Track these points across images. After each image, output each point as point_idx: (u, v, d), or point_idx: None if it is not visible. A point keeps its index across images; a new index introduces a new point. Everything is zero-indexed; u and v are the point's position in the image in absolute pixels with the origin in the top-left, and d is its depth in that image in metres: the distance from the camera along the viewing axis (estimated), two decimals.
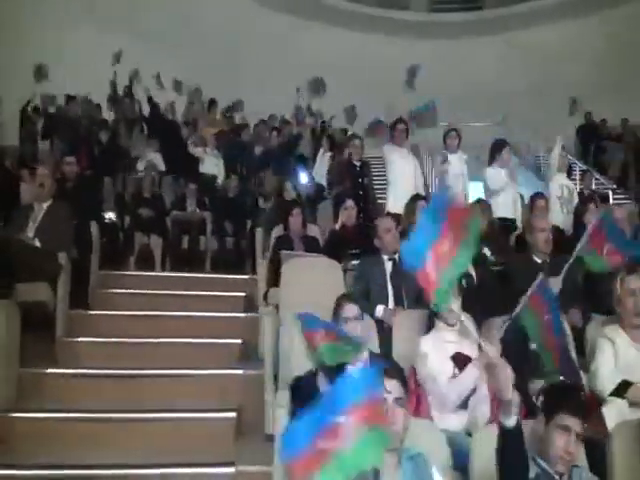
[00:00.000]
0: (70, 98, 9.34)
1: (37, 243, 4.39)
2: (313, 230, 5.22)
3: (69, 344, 4.50)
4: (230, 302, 5.48)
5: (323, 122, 9.56)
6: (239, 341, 4.61)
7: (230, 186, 7.64)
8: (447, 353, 3.07)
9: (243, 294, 5.51)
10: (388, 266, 4.05)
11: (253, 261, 6.70)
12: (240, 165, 8.37)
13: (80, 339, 4.57)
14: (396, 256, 4.07)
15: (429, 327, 3.23)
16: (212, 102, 9.77)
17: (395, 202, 5.56)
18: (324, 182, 7.41)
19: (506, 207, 5.70)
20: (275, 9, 13.76)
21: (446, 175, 5.91)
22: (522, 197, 6.27)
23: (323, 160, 7.89)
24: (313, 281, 4.13)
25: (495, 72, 13.68)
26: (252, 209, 7.42)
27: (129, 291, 5.47)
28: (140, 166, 8.17)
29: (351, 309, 3.14)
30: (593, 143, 11.64)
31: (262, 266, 5.70)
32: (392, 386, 2.16)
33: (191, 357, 4.52)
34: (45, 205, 4.70)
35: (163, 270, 6.86)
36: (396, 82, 12.98)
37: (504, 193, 5.71)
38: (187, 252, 7.11)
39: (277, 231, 5.23)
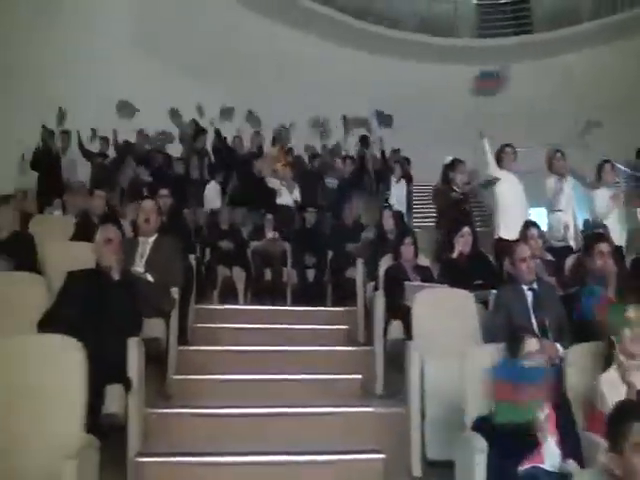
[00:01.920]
0: (140, 132, 9.33)
1: (149, 278, 4.24)
2: (422, 259, 5.00)
3: (181, 381, 4.33)
4: (331, 335, 5.31)
5: (395, 150, 9.39)
6: (359, 376, 4.39)
7: (308, 217, 7.48)
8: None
9: (345, 327, 5.31)
10: (529, 296, 3.83)
11: (340, 293, 6.56)
12: (317, 196, 8.22)
13: (192, 376, 4.39)
14: (535, 285, 3.86)
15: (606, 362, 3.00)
16: (279, 132, 9.69)
17: (507, 229, 5.37)
18: (403, 209, 7.25)
19: (614, 232, 5.45)
20: (322, 37, 13.81)
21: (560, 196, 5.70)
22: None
23: (398, 187, 7.74)
24: (446, 313, 3.93)
25: (544, 95, 13.47)
26: (331, 240, 7.24)
27: (228, 325, 5.31)
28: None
29: (532, 343, 2.92)
30: None
31: (361, 297, 5.55)
32: None
33: (309, 393, 4.32)
34: (151, 239, 4.57)
35: (245, 303, 6.73)
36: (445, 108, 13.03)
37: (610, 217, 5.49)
38: (270, 284, 6.93)
39: (386, 261, 5.02)
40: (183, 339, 4.82)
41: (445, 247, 5.09)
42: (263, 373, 4.54)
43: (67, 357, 2.76)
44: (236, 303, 6.58)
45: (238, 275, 6.77)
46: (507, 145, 5.91)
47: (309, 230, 7.40)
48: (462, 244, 4.78)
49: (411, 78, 13.58)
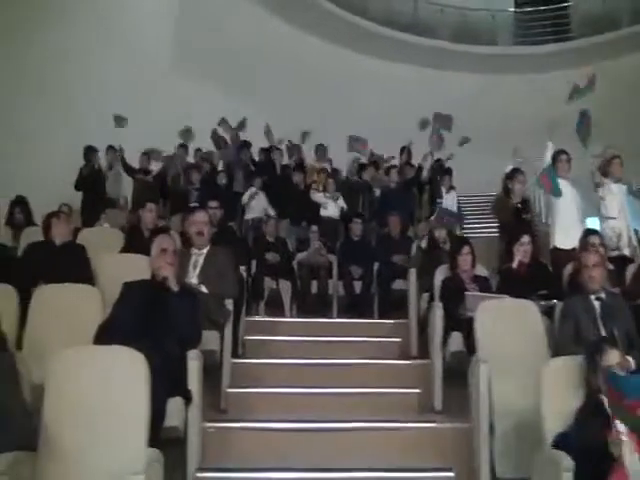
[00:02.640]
0: (182, 146, 9.38)
1: (204, 289, 4.19)
2: (480, 269, 4.86)
3: (235, 395, 4.25)
4: (383, 348, 5.20)
5: (437, 160, 9.25)
6: (417, 391, 4.27)
7: (354, 228, 7.38)
8: None
9: (398, 340, 5.20)
10: (596, 306, 3.67)
11: (387, 305, 6.45)
12: (362, 207, 8.13)
13: (246, 390, 4.32)
14: (602, 295, 3.71)
15: None
16: (320, 146, 9.65)
17: (563, 237, 5.21)
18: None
19: None
20: (359, 50, 13.79)
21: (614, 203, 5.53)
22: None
23: (449, 198, 7.62)
24: (510, 324, 3.79)
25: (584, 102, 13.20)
26: (377, 251, 7.13)
27: (281, 338, 5.23)
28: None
29: (614, 355, 2.78)
30: None
31: (414, 309, 5.43)
32: None
33: (365, 408, 4.20)
34: (204, 250, 4.52)
35: (291, 315, 6.65)
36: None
37: None
38: (316, 297, 6.84)
39: (441, 272, 4.89)
40: (235, 351, 4.76)
41: (505, 257, 4.95)
42: (317, 387, 4.43)
43: (131, 369, 2.70)
44: (282, 315, 6.52)
45: (284, 287, 6.70)
46: (562, 152, 5.75)
47: (355, 241, 7.29)
48: (522, 253, 4.62)
49: (448, 88, 13.49)
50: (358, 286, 6.87)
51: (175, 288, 3.42)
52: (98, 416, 2.60)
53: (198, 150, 9.65)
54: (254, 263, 6.83)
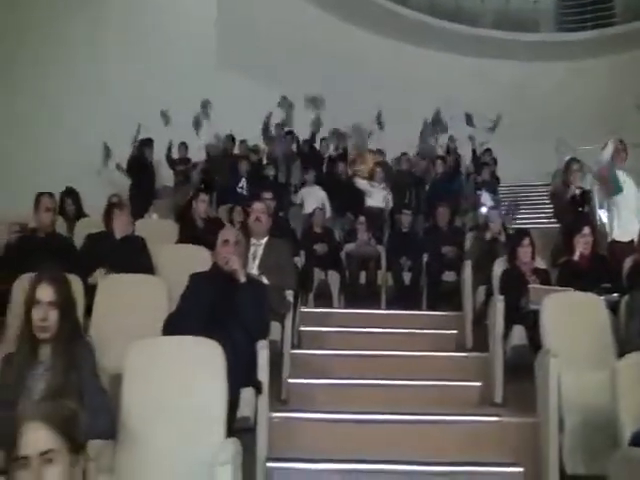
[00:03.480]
0: (229, 137, 9.44)
1: (265, 280, 4.21)
2: (539, 262, 4.80)
3: (295, 385, 4.28)
4: (437, 340, 5.17)
5: (487, 150, 9.16)
6: (478, 384, 4.24)
7: (403, 219, 7.34)
8: None
9: (454, 332, 5.17)
10: None
11: (437, 296, 6.43)
12: (411, 198, 8.10)
13: (305, 380, 4.34)
14: None
15: None
16: (368, 135, 9.63)
17: (621, 231, 5.12)
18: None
19: None
20: (399, 38, 13.65)
21: None
22: None
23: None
24: (576, 318, 3.74)
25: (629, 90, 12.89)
26: (426, 242, 7.09)
27: (336, 329, 5.24)
28: (297, 200, 8.16)
29: None
30: None
31: (470, 301, 5.40)
32: None
33: (423, 400, 4.18)
34: (263, 241, 4.56)
35: (339, 306, 6.66)
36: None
37: None
38: (365, 288, 6.84)
39: (499, 264, 4.84)
40: (292, 342, 4.79)
41: (564, 249, 4.88)
42: (374, 378, 4.44)
43: (209, 359, 2.72)
44: (330, 306, 6.53)
45: (333, 278, 6.72)
46: (618, 140, 5.64)
47: (404, 233, 7.27)
48: (583, 245, 4.55)
49: (490, 77, 13.31)
50: (407, 277, 6.88)
51: (243, 279, 3.45)
52: (178, 406, 2.63)
53: (243, 142, 9.69)
54: (302, 254, 6.88)
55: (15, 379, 2.52)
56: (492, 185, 8.36)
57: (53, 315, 2.54)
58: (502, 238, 5.60)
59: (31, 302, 2.56)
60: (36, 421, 1.63)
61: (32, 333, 2.56)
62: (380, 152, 9.20)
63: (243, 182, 8.33)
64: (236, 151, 9.34)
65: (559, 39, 14.52)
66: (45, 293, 2.55)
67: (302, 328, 5.28)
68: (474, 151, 9.28)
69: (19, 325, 2.63)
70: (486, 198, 7.01)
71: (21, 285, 3.77)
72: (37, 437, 1.61)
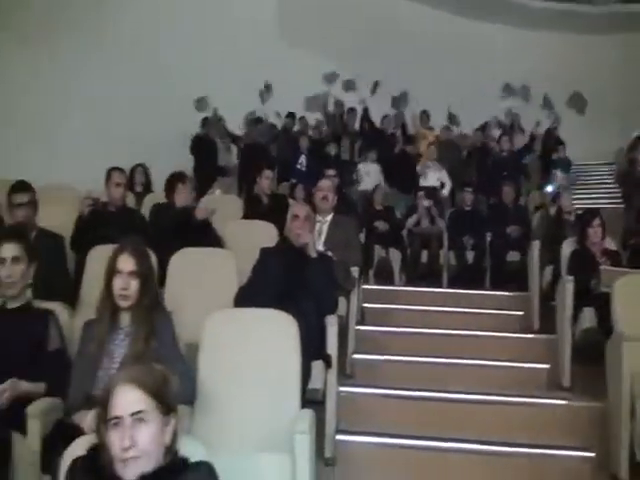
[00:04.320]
0: (290, 115, 9.47)
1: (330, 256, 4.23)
2: (609, 243, 4.67)
3: (360, 361, 4.32)
4: (502, 321, 5.13)
5: (554, 128, 8.93)
6: (546, 366, 4.19)
7: (466, 198, 7.24)
8: None
9: (520, 312, 5.11)
10: None
11: (500, 277, 6.34)
12: (472, 176, 7.99)
13: (370, 356, 4.37)
14: None
15: None
16: (424, 112, 9.51)
17: None
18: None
19: None
20: (455, 12, 13.31)
21: None
22: None
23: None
24: None
25: None
26: (490, 221, 6.98)
27: (398, 307, 5.26)
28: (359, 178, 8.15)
29: None
30: None
31: (536, 282, 5.31)
32: None
33: (488, 380, 4.17)
34: (328, 218, 4.58)
35: (400, 284, 6.65)
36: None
37: None
38: (426, 266, 6.81)
39: (568, 244, 4.74)
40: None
41: (635, 230, 4.74)
42: (437, 356, 4.44)
43: (284, 330, 2.77)
44: (390, 284, 6.53)
45: (394, 256, 6.72)
46: None
47: (466, 211, 7.18)
48: None
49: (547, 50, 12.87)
50: (470, 256, 6.80)
51: (314, 254, 3.47)
52: (253, 376, 2.68)
53: (302, 118, 9.70)
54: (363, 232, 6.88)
55: (96, 345, 2.61)
56: (565, 164, 8.16)
57: (134, 285, 2.61)
58: (571, 218, 5.46)
59: (112, 272, 2.64)
60: (128, 383, 1.69)
61: (113, 301, 2.64)
62: (447, 128, 9.06)
63: (303, 159, 8.36)
64: (296, 128, 9.36)
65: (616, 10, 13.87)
66: (126, 263, 2.63)
67: (365, 305, 5.30)
68: (548, 129, 9.08)
69: (100, 293, 2.71)
70: (559, 177, 6.82)
71: (95, 256, 3.91)
72: (129, 398, 1.67)
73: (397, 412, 3.78)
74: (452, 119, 9.59)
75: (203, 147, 8.81)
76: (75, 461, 1.72)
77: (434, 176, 8.08)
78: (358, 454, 3.43)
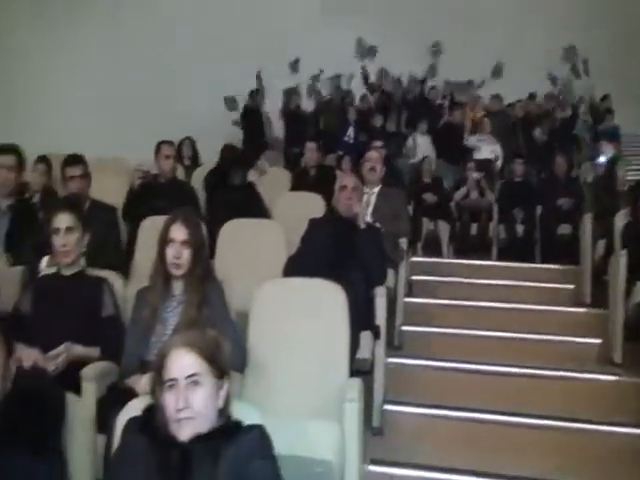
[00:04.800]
0: (336, 87, 9.44)
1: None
2: None
3: (408, 333, 4.32)
4: (553, 294, 5.04)
5: (605, 97, 8.65)
6: (597, 341, 4.12)
7: (516, 169, 7.09)
8: None
9: (571, 286, 5.01)
10: None
11: (551, 250, 6.22)
12: (522, 147, 7.83)
13: (418, 328, 4.37)
14: None
15: None
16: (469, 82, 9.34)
17: None
18: None
19: None
20: None
21: None
22: None
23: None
24: None
25: None
26: (541, 194, 6.83)
27: (447, 279, 5.23)
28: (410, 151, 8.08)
29: None
30: None
31: (588, 255, 5.20)
32: None
33: (537, 354, 4.12)
34: (376, 189, 4.56)
35: (449, 257, 6.60)
36: None
37: None
38: (475, 239, 6.72)
39: (620, 217, 4.61)
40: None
41: None
42: (486, 329, 4.40)
43: (333, 300, 2.77)
44: (438, 257, 6.48)
45: (442, 228, 6.66)
46: None
47: (517, 183, 7.03)
48: None
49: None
50: (520, 229, 6.68)
51: (362, 225, 3.46)
52: (303, 345, 2.71)
53: (349, 92, 9.63)
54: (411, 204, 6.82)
55: (150, 312, 2.66)
56: (616, 134, 7.91)
57: (186, 254, 2.65)
58: (624, 189, 5.30)
59: (165, 241, 2.68)
60: (183, 347, 1.72)
61: (166, 270, 2.68)
62: (497, 98, 8.86)
63: (351, 131, 8.32)
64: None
65: None
66: (179, 233, 2.66)
67: (413, 277, 5.28)
68: (597, 99, 8.80)
69: (153, 262, 2.75)
70: (610, 147, 6.62)
71: (146, 227, 3.98)
72: (184, 362, 1.70)
73: (444, 384, 3.78)
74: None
75: (251, 120, 8.82)
76: (131, 421, 1.76)
77: (488, 149, 7.94)
78: (405, 424, 3.44)
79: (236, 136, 8.88)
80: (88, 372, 2.52)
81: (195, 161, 7.15)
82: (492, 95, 8.85)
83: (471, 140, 8.01)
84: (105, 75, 10.11)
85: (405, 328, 4.30)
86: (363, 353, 3.06)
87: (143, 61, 10.10)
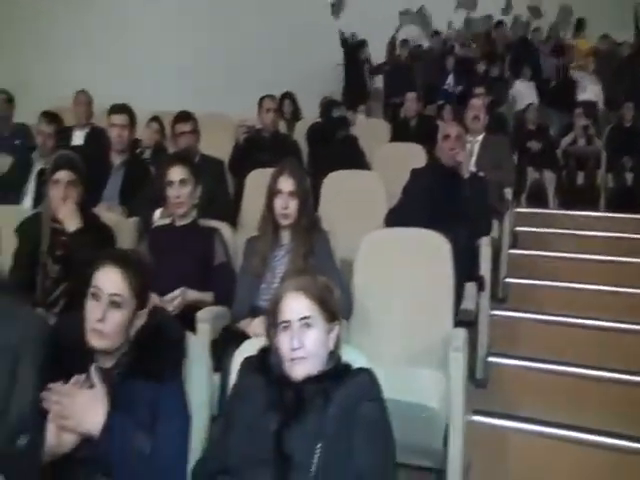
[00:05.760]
0: (436, 33, 9.17)
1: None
2: None
3: (512, 285, 4.25)
4: None
5: None
6: None
7: (626, 114, 6.70)
8: None
9: None
10: None
11: None
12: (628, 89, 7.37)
13: (523, 280, 4.29)
14: None
15: None
16: (580, 22, 8.81)
17: None
18: None
19: None
20: None
21: None
22: None
23: None
24: None
25: None
26: None
27: (552, 231, 5.08)
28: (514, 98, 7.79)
29: None
30: None
31: None
32: None
33: None
34: (479, 137, 4.47)
35: (555, 208, 6.37)
36: None
37: None
38: (582, 189, 6.46)
39: None
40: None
41: None
42: (592, 283, 4.26)
43: (437, 250, 2.78)
44: (544, 207, 6.28)
45: (548, 178, 6.43)
46: None
47: (626, 128, 6.65)
48: None
49: None
50: (629, 178, 6.36)
51: (466, 174, 3.41)
52: (407, 294, 2.74)
53: (448, 39, 9.33)
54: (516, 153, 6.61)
55: (259, 259, 2.76)
56: None
57: (293, 204, 2.72)
58: None
59: (273, 192, 2.75)
60: (296, 291, 1.79)
61: (274, 220, 2.76)
62: (605, 37, 8.34)
63: (450, 79, 8.10)
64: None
65: None
66: (286, 184, 2.73)
67: (518, 228, 5.16)
68: None
69: (261, 212, 2.84)
70: None
71: (252, 179, 4.10)
72: (298, 305, 1.77)
73: (549, 337, 3.73)
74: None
75: (351, 70, 8.75)
76: (247, 360, 1.86)
77: (593, 89, 7.55)
78: (509, 377, 3.42)
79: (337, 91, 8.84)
80: (203, 314, 2.65)
81: (296, 115, 7.20)
82: (601, 35, 8.32)
83: (578, 75, 7.62)
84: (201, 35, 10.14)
85: (509, 280, 4.23)
86: (467, 304, 3.05)
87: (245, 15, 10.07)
